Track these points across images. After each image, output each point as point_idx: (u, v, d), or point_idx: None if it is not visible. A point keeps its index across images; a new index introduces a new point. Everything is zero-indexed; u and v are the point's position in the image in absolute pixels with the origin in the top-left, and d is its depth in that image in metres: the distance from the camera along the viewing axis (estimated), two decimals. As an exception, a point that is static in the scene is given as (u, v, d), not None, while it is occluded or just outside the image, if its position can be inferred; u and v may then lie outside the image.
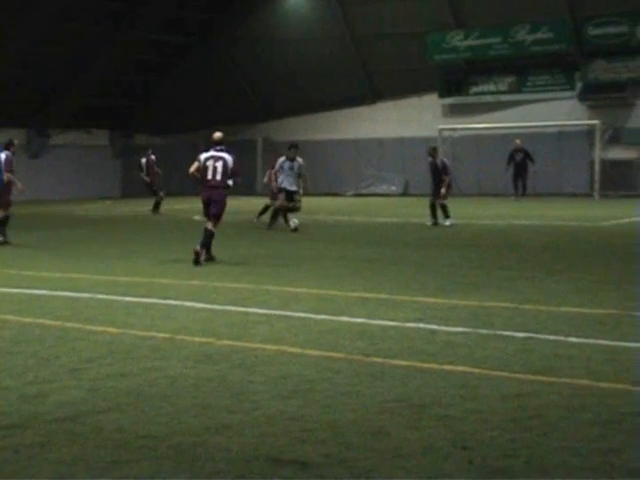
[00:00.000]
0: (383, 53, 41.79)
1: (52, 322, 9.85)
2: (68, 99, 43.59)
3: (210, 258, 15.62)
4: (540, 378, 7.06)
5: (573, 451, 5.34)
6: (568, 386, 6.81)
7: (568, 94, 38.97)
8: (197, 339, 8.75)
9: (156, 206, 29.75)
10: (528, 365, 7.50)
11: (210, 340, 8.69)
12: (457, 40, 39.77)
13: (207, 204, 15.93)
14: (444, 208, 22.73)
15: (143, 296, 11.60)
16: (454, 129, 39.83)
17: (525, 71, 39.75)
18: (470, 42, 39.61)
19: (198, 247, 15.21)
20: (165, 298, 11.41)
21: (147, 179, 30.57)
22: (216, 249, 16.16)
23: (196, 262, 14.97)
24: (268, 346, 8.38)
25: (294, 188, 22.20)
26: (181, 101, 46.41)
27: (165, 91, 46.86)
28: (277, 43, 43.77)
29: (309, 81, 44.05)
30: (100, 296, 11.66)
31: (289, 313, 10.17)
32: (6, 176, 19.39)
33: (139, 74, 46.38)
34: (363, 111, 43.79)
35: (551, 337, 8.61)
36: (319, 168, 44.42)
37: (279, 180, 22.68)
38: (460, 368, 7.43)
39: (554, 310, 10.18)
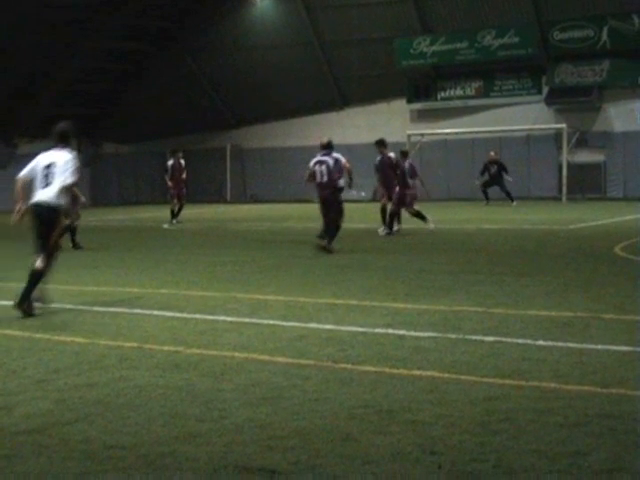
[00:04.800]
0: (351, 59, 41.89)
1: (19, 333, 9.79)
2: (35, 109, 43.31)
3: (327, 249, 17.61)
4: (509, 382, 7.08)
5: (541, 454, 5.36)
6: (536, 389, 6.84)
7: (535, 98, 39.24)
8: (165, 348, 8.71)
9: (177, 213, 28.63)
10: (497, 369, 7.51)
11: (178, 349, 8.65)
12: (424, 46, 39.90)
13: (322, 203, 18.28)
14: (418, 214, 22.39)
15: (111, 305, 11.55)
16: (422, 134, 39.97)
17: (492, 76, 39.98)
18: (437, 47, 39.75)
19: (325, 242, 17.66)
20: (133, 307, 11.36)
21: (170, 183, 28.77)
22: (184, 257, 16.10)
23: (324, 249, 17.59)
24: (237, 354, 8.36)
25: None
26: (149, 109, 46.28)
27: (132, 99, 46.70)
28: (244, 50, 43.75)
29: (277, 88, 44.07)
30: (68, 306, 11.59)
31: (258, 320, 10.15)
32: None
33: (106, 82, 46.17)
34: (332, 117, 43.87)
35: (520, 340, 8.64)
36: (288, 174, 44.50)
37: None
38: (429, 373, 7.43)
39: (523, 313, 10.22)
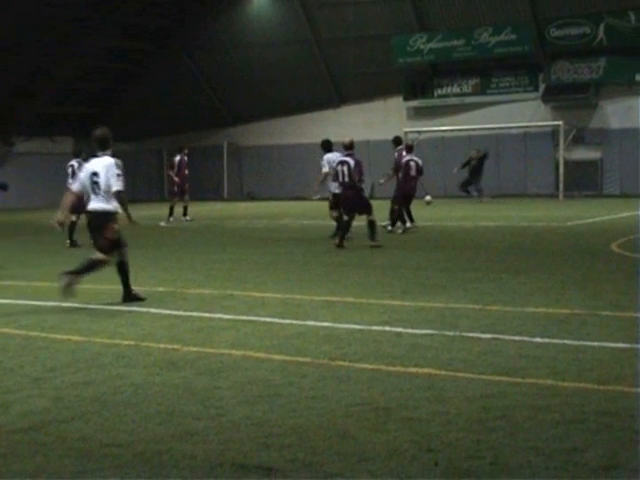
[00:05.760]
0: (347, 57, 41.90)
1: (15, 331, 9.78)
2: (32, 107, 43.29)
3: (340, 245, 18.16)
4: (505, 379, 7.07)
5: (538, 451, 5.36)
6: (533, 386, 6.83)
7: (532, 95, 39.27)
8: (162, 346, 8.70)
9: (185, 211, 28.46)
10: (494, 366, 7.51)
11: (175, 346, 8.64)
12: (421, 43, 39.92)
13: (347, 203, 18.59)
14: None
15: (108, 303, 11.55)
16: (419, 132, 39.96)
17: (489, 73, 40.00)
18: (434, 45, 39.77)
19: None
20: (130, 305, 11.36)
21: (177, 179, 28.30)
22: (183, 255, 16.07)
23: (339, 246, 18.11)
24: (234, 351, 8.35)
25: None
26: (146, 107, 46.28)
27: (129, 97, 46.70)
28: (241, 48, 43.74)
29: (274, 86, 44.08)
30: (64, 304, 11.57)
31: (255, 318, 10.14)
32: None
33: (104, 81, 46.15)
34: (329, 115, 43.88)
35: (516, 338, 8.64)
36: (285, 172, 44.54)
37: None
38: (426, 370, 7.43)
39: (520, 311, 10.22)
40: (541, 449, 5.39)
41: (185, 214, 28.45)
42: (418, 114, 41.78)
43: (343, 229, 18.58)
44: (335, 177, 18.78)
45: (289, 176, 44.51)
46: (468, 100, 40.53)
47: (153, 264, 16.36)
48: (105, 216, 11.64)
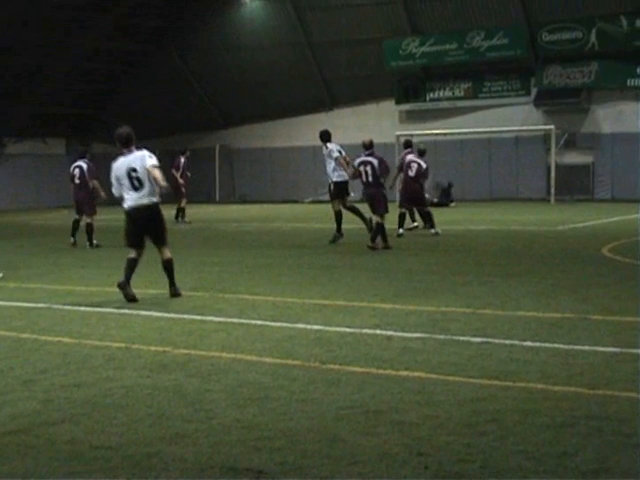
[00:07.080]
0: (340, 60, 41.89)
1: (6, 333, 9.76)
2: (23, 108, 43.20)
3: (387, 247, 18.24)
4: (496, 383, 7.08)
5: (528, 455, 5.36)
6: (523, 390, 6.84)
7: (524, 99, 39.30)
8: (153, 348, 8.69)
9: (179, 213, 28.55)
10: (484, 370, 7.52)
11: (166, 349, 8.63)
12: (413, 47, 39.92)
13: (368, 202, 18.69)
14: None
15: (98, 305, 11.53)
16: (411, 135, 39.92)
17: (481, 77, 40.03)
18: (426, 48, 39.78)
19: (370, 242, 18.09)
20: (121, 307, 11.35)
21: (181, 181, 28.40)
22: (174, 257, 16.06)
23: (373, 248, 18.02)
24: (224, 354, 8.35)
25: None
26: (138, 109, 46.15)
27: (122, 99, 46.61)
28: (234, 50, 43.71)
29: (266, 88, 44.05)
30: (55, 306, 11.57)
31: (246, 321, 10.14)
32: (92, 183, 20.51)
33: (95, 82, 46.04)
34: (321, 118, 43.79)
35: (507, 342, 8.65)
36: (277, 175, 44.53)
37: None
38: (416, 374, 7.43)
39: (510, 315, 10.23)
40: (531, 453, 5.40)
41: (177, 216, 28.52)
42: (410, 118, 41.79)
43: (381, 231, 18.51)
44: (357, 176, 18.79)
45: (281, 179, 44.52)
46: (460, 104, 40.55)
47: (144, 266, 16.27)
48: (157, 206, 12.00)
